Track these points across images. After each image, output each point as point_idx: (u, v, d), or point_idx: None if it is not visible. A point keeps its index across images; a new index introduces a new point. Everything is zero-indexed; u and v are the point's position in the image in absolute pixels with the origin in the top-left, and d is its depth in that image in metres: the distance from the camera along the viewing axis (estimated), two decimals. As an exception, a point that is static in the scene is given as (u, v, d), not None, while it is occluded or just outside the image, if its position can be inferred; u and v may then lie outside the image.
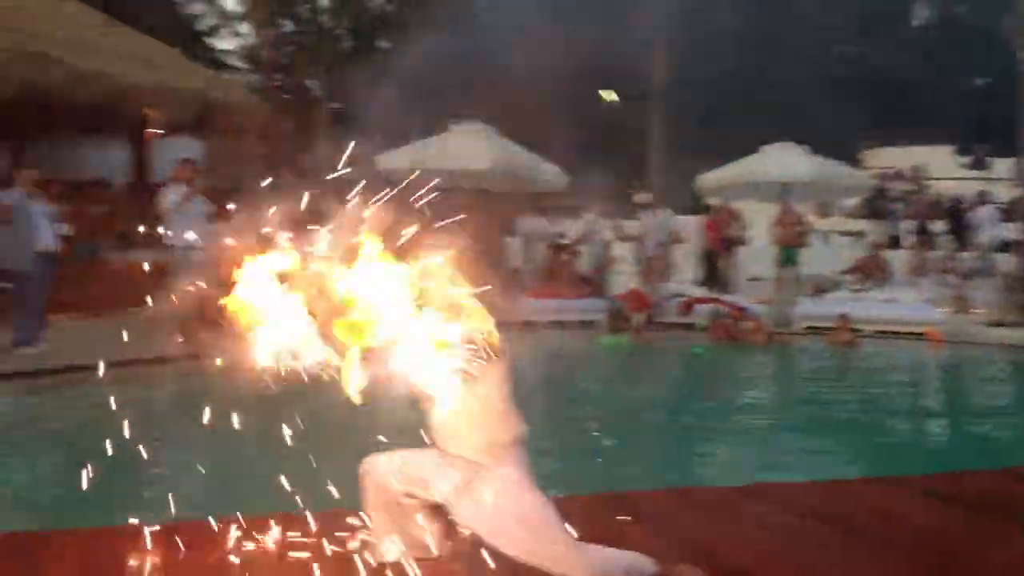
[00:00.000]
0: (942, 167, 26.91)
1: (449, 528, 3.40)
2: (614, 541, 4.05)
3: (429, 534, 3.38)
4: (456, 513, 3.25)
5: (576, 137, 32.41)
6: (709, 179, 17.53)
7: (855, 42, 40.27)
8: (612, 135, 35.85)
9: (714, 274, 16.68)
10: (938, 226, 20.09)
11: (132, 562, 3.67)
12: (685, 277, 17.04)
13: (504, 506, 3.17)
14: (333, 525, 4.02)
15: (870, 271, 17.11)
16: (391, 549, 3.42)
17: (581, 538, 3.39)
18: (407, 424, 3.45)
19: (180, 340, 9.93)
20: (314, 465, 3.80)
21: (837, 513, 4.63)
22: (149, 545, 3.81)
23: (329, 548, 3.77)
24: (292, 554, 3.78)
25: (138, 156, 16.27)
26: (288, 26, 35.44)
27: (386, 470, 3.39)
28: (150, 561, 3.69)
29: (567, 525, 3.29)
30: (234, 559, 3.78)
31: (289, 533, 3.98)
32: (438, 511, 3.34)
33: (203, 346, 9.91)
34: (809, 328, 14.75)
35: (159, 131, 15.47)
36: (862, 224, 21.39)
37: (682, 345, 13.74)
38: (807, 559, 3.99)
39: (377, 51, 36.60)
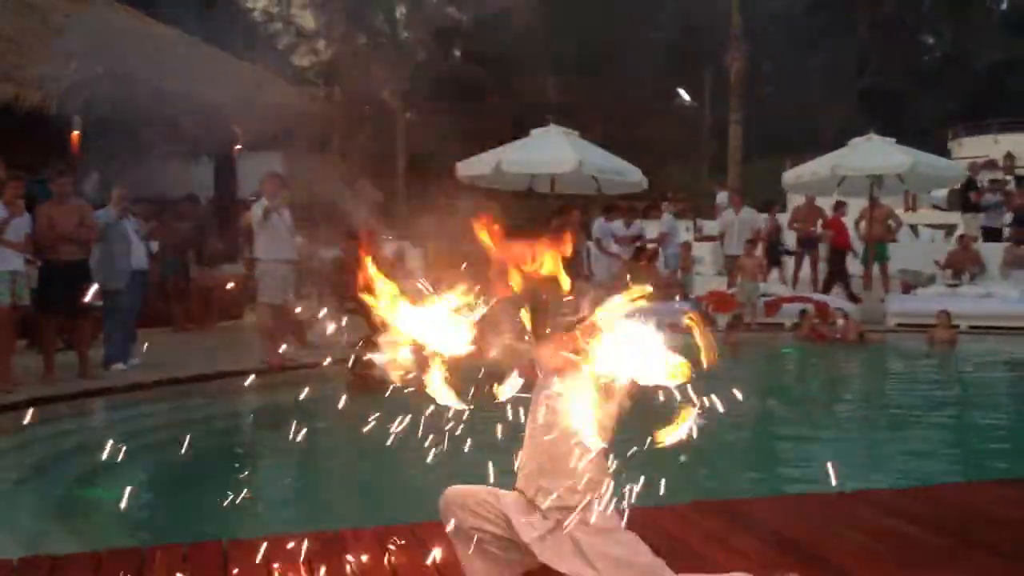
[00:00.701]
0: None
1: None
2: (717, 548, 3.93)
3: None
4: (543, 556, 3.13)
5: (655, 137, 32.24)
6: (792, 175, 17.12)
7: (940, 27, 39.18)
8: (691, 134, 35.50)
9: (842, 274, 16.16)
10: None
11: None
12: (770, 276, 16.67)
13: (606, 553, 3.10)
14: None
15: (963, 265, 16.52)
16: None
17: (684, 547, 3.30)
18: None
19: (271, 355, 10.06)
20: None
21: (944, 518, 4.45)
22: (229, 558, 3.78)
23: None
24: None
25: (223, 173, 16.59)
26: (363, 39, 35.95)
27: (463, 503, 3.27)
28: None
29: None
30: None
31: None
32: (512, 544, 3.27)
33: (287, 356, 10.06)
34: (900, 325, 14.29)
35: (243, 147, 15.74)
36: (953, 217, 20.69)
37: (770, 346, 13.45)
38: (914, 564, 3.81)
39: (452, 60, 36.88)
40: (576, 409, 2.97)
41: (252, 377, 9.61)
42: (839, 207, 16.83)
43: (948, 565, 3.88)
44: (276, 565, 3.79)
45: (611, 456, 3.16)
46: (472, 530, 3.23)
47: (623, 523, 3.18)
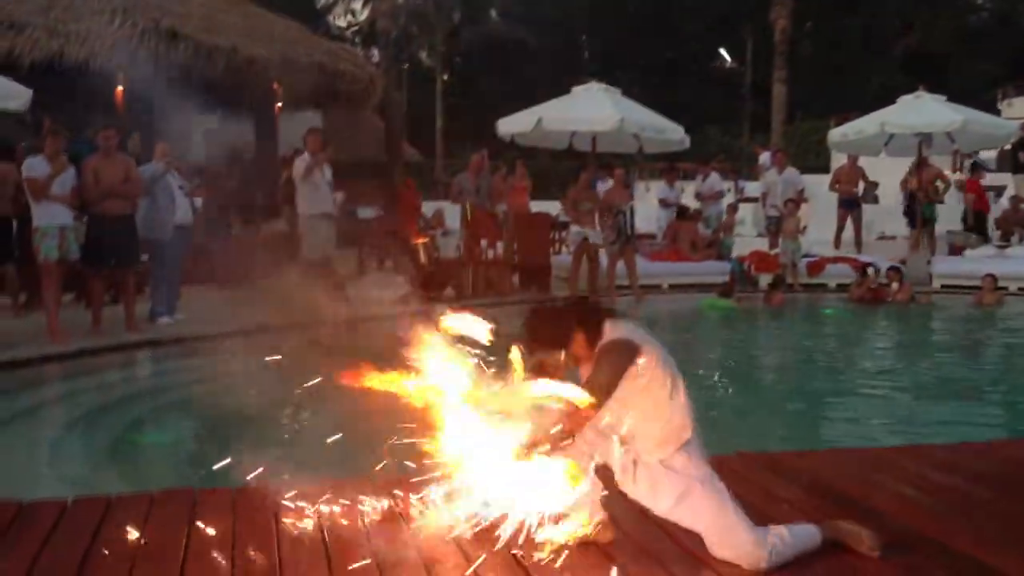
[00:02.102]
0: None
1: None
2: (759, 497, 3.92)
3: None
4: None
5: (696, 97, 31.85)
6: (838, 133, 16.83)
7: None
8: (732, 94, 35.05)
9: (982, 232, 15.90)
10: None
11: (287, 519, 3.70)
12: (814, 237, 16.47)
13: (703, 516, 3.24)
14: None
15: (1013, 226, 16.21)
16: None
17: (739, 500, 3.32)
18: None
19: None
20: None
21: (994, 474, 4.41)
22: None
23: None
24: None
25: (265, 130, 16.63)
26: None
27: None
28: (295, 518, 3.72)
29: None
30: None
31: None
32: None
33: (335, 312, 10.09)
34: (945, 287, 14.08)
35: (284, 105, 15.78)
36: (1002, 178, 20.26)
37: (815, 306, 13.33)
38: (972, 520, 3.78)
39: (490, 20, 36.60)
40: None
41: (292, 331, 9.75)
42: (976, 171, 16.60)
43: (992, 517, 3.85)
44: (325, 510, 3.83)
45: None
46: None
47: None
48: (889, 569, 3.25)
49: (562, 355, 3.28)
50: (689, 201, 17.12)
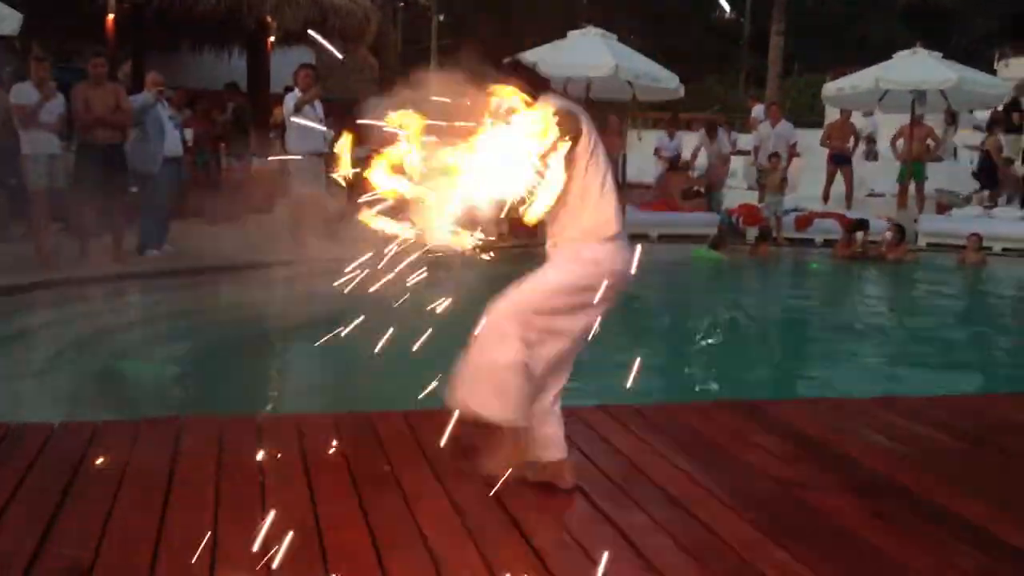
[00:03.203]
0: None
1: None
2: (735, 442, 4.01)
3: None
4: None
5: (693, 47, 31.54)
6: (833, 87, 16.75)
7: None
8: (729, 45, 34.76)
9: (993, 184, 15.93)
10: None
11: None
12: (806, 192, 16.49)
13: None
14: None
15: (1002, 188, 16.25)
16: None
17: (702, 439, 3.39)
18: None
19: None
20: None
21: (967, 425, 4.51)
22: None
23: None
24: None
25: (256, 65, 16.45)
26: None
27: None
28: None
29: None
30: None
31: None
32: None
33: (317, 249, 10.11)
34: (931, 245, 14.17)
35: (276, 40, 15.58)
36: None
37: (798, 261, 13.42)
38: (940, 468, 3.88)
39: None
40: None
41: (281, 268, 9.78)
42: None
43: (961, 466, 3.96)
44: (307, 438, 3.90)
45: None
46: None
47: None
48: (856, 512, 3.34)
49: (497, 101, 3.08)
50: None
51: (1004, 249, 13.71)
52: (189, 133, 12.12)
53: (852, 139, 16.67)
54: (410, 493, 3.36)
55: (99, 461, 3.57)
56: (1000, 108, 19.34)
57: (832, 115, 18.58)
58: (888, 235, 13.15)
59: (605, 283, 3.19)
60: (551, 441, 3.38)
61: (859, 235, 13.32)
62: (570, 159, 3.09)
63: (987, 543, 3.12)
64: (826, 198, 16.08)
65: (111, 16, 12.84)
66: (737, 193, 16.65)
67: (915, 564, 2.95)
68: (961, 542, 3.12)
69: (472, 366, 3.23)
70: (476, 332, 3.23)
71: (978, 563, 2.97)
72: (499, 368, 3.17)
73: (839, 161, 16.26)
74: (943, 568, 2.93)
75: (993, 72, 24.62)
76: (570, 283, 3.23)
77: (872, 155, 19.23)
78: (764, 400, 5.04)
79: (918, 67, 15.28)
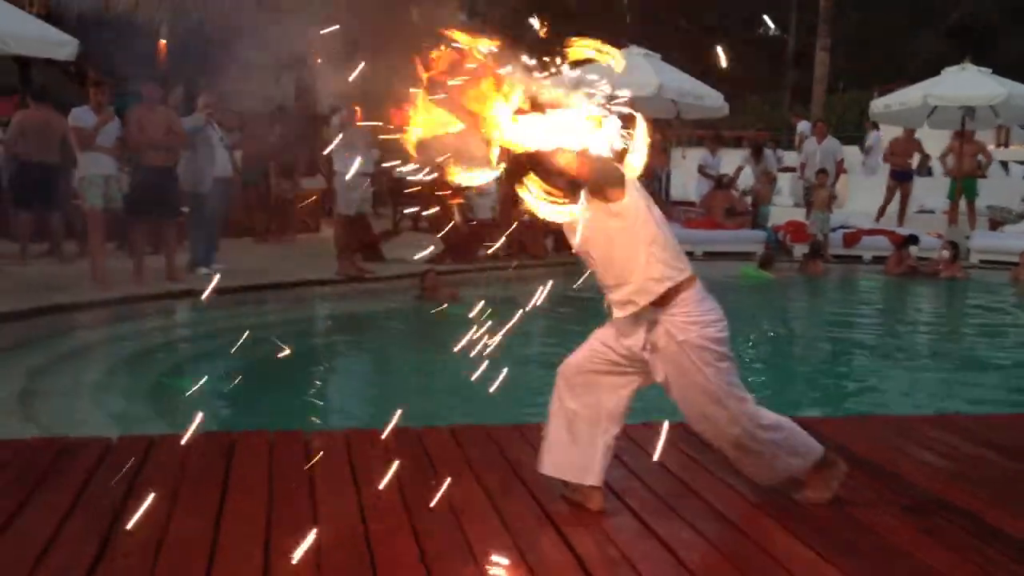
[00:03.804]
0: None
1: None
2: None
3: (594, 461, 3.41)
4: (651, 368, 3.35)
5: (737, 65, 31.40)
6: (881, 104, 16.59)
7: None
8: (774, 62, 34.57)
9: None
10: None
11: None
12: (853, 208, 16.32)
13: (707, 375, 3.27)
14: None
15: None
16: None
17: None
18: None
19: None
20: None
21: (1019, 444, 4.45)
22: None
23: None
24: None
25: (304, 86, 16.67)
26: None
27: (579, 359, 3.43)
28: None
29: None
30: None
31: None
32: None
33: (361, 269, 10.28)
34: (984, 262, 13.95)
35: (323, 60, 15.78)
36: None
37: (847, 278, 13.27)
38: (990, 487, 3.83)
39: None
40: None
41: (328, 286, 9.92)
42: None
43: (1012, 484, 3.90)
44: (356, 453, 3.96)
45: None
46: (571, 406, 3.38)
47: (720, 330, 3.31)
48: (906, 528, 3.32)
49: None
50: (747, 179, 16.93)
51: (1059, 266, 13.42)
52: (239, 154, 12.33)
53: (915, 156, 16.47)
54: (459, 508, 3.40)
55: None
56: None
57: (885, 131, 18.41)
58: (944, 253, 12.96)
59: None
60: (591, 468, 3.40)
61: (912, 249, 13.17)
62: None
63: (1039, 562, 3.07)
64: (882, 214, 15.87)
65: (163, 42, 13.14)
66: (784, 210, 16.52)
67: (967, 583, 2.92)
68: (1013, 561, 3.08)
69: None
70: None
71: (1030, 582, 2.93)
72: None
73: (901, 178, 16.04)
74: (996, 587, 2.90)
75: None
76: (726, 366, 3.32)
77: (927, 171, 19.00)
78: (813, 417, 5.00)
79: (967, 83, 15.09)
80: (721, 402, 3.29)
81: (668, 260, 3.26)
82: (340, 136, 10.54)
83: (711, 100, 15.56)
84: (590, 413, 3.39)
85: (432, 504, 3.37)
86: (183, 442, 4.03)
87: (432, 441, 4.17)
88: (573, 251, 3.32)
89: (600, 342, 3.41)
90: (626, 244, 3.21)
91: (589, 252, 3.29)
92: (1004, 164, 19.39)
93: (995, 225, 15.57)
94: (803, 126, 19.55)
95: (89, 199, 9.05)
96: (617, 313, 3.32)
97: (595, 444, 3.39)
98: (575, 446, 3.38)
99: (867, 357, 8.31)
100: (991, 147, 18.59)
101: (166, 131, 9.34)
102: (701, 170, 16.72)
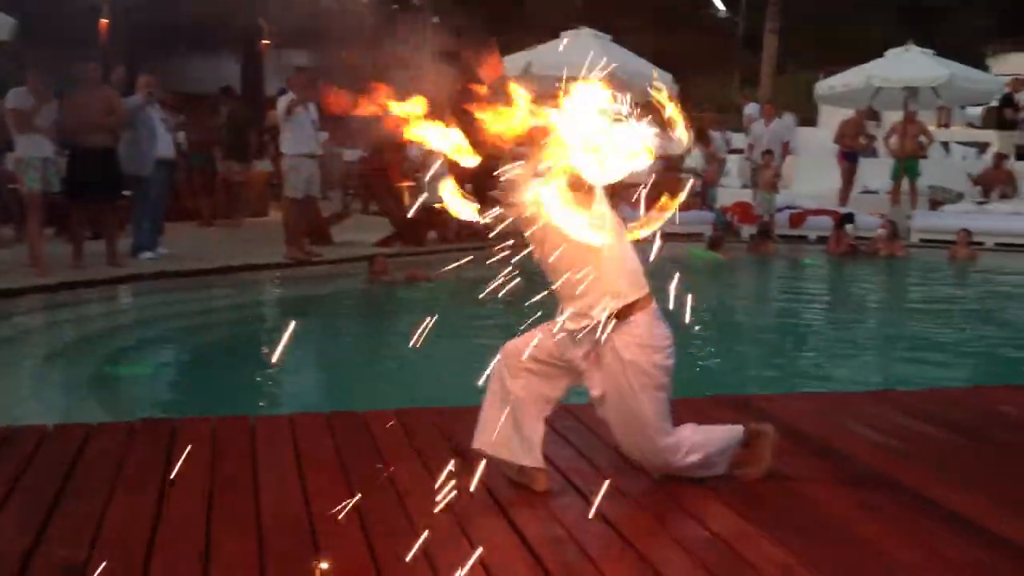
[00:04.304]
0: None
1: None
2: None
3: (535, 443, 3.40)
4: (587, 379, 3.37)
5: (686, 46, 31.52)
6: (826, 86, 16.79)
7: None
8: (723, 44, 34.77)
9: None
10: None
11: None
12: (800, 189, 16.50)
13: (633, 388, 3.27)
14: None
15: (995, 183, 16.29)
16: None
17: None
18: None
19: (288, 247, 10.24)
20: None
21: (959, 418, 4.52)
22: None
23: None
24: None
25: (250, 69, 16.49)
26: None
27: (522, 346, 3.42)
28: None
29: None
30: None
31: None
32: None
33: (309, 252, 10.21)
34: (924, 241, 14.23)
35: (270, 42, 15.61)
36: (986, 134, 20.29)
37: (793, 257, 13.45)
38: (931, 461, 3.90)
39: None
40: (556, 213, 3.07)
41: (276, 270, 9.81)
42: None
43: (951, 459, 3.96)
44: (300, 438, 3.92)
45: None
46: (511, 389, 3.38)
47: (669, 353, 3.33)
48: (849, 504, 3.36)
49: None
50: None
51: (997, 244, 13.76)
52: (182, 136, 12.13)
53: (860, 138, 16.68)
54: (404, 490, 3.38)
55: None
56: (993, 104, 19.39)
57: (828, 112, 18.63)
58: (881, 231, 13.21)
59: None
60: (533, 449, 3.40)
61: (848, 228, 13.39)
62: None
63: (977, 535, 3.13)
64: (845, 198, 16.00)
65: (104, 21, 12.86)
66: (731, 191, 16.66)
67: (905, 556, 2.96)
68: (951, 534, 3.13)
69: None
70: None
71: (967, 555, 2.98)
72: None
73: (852, 159, 16.23)
74: (933, 560, 2.95)
75: (985, 68, 24.66)
76: (663, 396, 3.33)
77: (872, 152, 19.25)
78: (758, 395, 5.05)
79: (910, 64, 15.34)
80: (647, 433, 3.33)
81: (629, 277, 3.27)
82: (287, 117, 10.43)
83: (661, 82, 15.58)
84: (530, 396, 3.40)
85: (377, 487, 3.35)
86: (123, 430, 3.99)
87: (378, 424, 4.14)
88: (534, 259, 3.30)
89: (545, 336, 3.41)
90: (589, 257, 3.19)
91: (550, 261, 3.27)
92: (945, 145, 19.72)
93: (936, 205, 15.85)
94: (751, 108, 19.69)
95: (27, 182, 8.82)
96: (570, 325, 3.31)
97: (536, 427, 3.40)
98: (516, 428, 3.38)
99: (809, 335, 8.43)
100: (933, 128, 18.89)
101: (107, 112, 9.14)
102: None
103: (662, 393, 3.32)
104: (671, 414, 3.38)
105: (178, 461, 3.60)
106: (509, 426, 3.40)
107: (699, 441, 3.43)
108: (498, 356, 3.45)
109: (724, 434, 3.52)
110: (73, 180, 9.13)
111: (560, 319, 3.33)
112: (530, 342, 3.41)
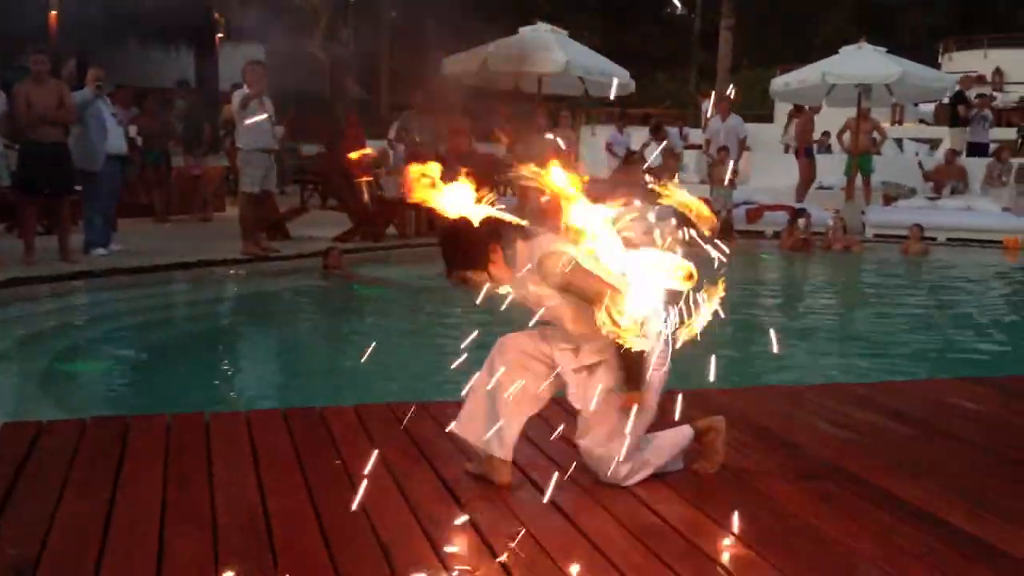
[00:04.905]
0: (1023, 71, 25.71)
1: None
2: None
3: (510, 437, 3.42)
4: (568, 383, 3.40)
5: (643, 44, 31.68)
6: (781, 82, 16.97)
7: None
8: (680, 42, 35.02)
9: None
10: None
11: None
12: (756, 185, 16.66)
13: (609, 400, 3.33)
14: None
15: (947, 179, 16.58)
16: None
17: (652, 429, 3.49)
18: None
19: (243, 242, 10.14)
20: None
21: (911, 411, 4.59)
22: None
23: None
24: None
25: (205, 63, 16.28)
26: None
27: (520, 342, 3.46)
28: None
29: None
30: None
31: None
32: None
33: (266, 248, 10.13)
34: (878, 236, 14.45)
35: (226, 36, 15.43)
36: (939, 131, 20.65)
37: (748, 253, 13.58)
38: (885, 453, 3.95)
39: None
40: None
41: (232, 266, 9.71)
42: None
43: (903, 449, 4.02)
44: (256, 434, 3.88)
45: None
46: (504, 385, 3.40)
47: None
48: (802, 496, 3.40)
49: (481, 275, 3.30)
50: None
51: (948, 239, 14.02)
52: (133, 130, 11.94)
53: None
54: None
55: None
56: (945, 101, 19.72)
57: (784, 109, 18.82)
58: (830, 223, 13.42)
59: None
60: (506, 441, 3.41)
61: (800, 223, 13.55)
62: None
63: (930, 524, 3.18)
64: (804, 195, 16.13)
65: (54, 13, 12.63)
66: (689, 187, 16.70)
67: (860, 546, 3.00)
68: (905, 524, 3.18)
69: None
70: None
71: (921, 544, 3.02)
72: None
73: (810, 154, 16.42)
74: (887, 549, 2.98)
75: (937, 66, 25.08)
76: (643, 421, 3.40)
77: (826, 148, 19.51)
78: (712, 388, 5.08)
79: (863, 61, 15.54)
80: (612, 447, 3.34)
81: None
82: (243, 111, 10.31)
83: (618, 77, 15.67)
84: (518, 392, 3.41)
85: (335, 483, 3.33)
86: (75, 427, 3.92)
87: (335, 420, 4.12)
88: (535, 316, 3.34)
89: (543, 339, 3.46)
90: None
91: (554, 319, 3.35)
92: (898, 141, 20.04)
93: (889, 200, 16.10)
94: (707, 105, 19.86)
95: (-26, 177, 8.66)
96: (574, 366, 3.38)
97: (516, 423, 3.42)
98: (496, 419, 3.38)
99: (763, 329, 8.50)
100: (886, 125, 19.18)
101: (57, 106, 8.97)
102: (608, 148, 16.86)
103: (645, 417, 3.39)
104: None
105: (131, 459, 3.56)
106: (488, 413, 3.41)
107: (653, 460, 3.48)
108: (494, 347, 3.47)
109: (674, 439, 3.56)
110: (24, 174, 8.95)
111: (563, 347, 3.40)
112: (527, 339, 3.45)
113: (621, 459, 3.34)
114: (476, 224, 3.20)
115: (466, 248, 3.28)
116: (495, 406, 3.41)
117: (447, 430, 3.50)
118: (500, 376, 3.40)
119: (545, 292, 3.27)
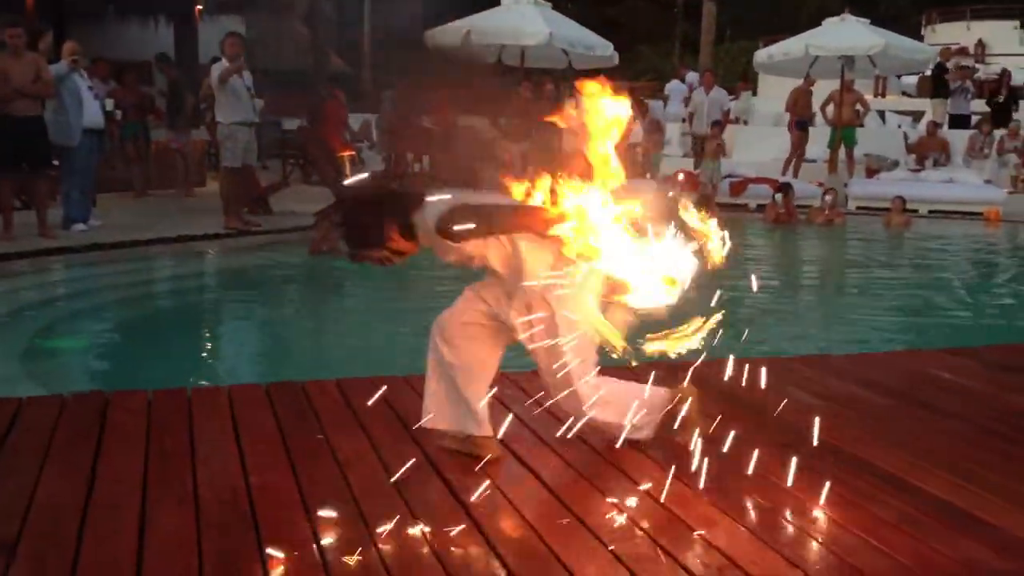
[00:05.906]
0: (1005, 43, 25.78)
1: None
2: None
3: (479, 410, 3.40)
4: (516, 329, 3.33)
5: (627, 16, 31.51)
6: (764, 55, 16.94)
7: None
8: (663, 14, 34.86)
9: None
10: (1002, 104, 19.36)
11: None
12: (740, 158, 16.66)
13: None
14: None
15: (929, 151, 16.63)
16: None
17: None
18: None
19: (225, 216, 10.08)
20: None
21: (890, 381, 4.62)
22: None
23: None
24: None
25: (184, 36, 16.10)
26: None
27: (455, 314, 3.42)
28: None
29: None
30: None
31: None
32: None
33: (248, 222, 10.07)
34: (861, 208, 14.50)
35: (205, 9, 15.26)
36: (921, 103, 20.69)
37: (733, 225, 13.61)
38: (862, 423, 3.98)
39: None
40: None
41: (213, 241, 9.65)
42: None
43: (889, 422, 4.05)
44: (238, 409, 3.87)
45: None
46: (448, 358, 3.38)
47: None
48: (776, 464, 3.42)
49: (382, 252, 3.26)
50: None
51: (930, 211, 14.09)
52: (111, 104, 11.81)
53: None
54: (344, 460, 3.36)
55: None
56: (927, 73, 19.74)
57: (767, 81, 18.80)
58: (828, 199, 13.42)
59: None
60: (479, 417, 3.41)
61: (777, 197, 13.58)
62: None
63: (907, 491, 3.21)
64: (794, 167, 16.10)
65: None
66: (672, 160, 16.77)
67: (837, 513, 3.03)
68: (882, 492, 3.21)
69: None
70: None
71: (898, 511, 3.05)
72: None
73: (802, 127, 16.36)
74: (865, 518, 3.01)
75: (920, 38, 25.07)
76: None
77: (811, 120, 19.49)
78: (692, 360, 5.09)
79: (846, 33, 15.53)
80: (562, 375, 3.31)
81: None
82: (222, 85, 10.22)
83: (601, 50, 15.62)
84: (468, 362, 3.39)
85: (317, 457, 3.33)
86: (55, 403, 3.90)
87: (317, 394, 4.11)
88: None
89: (475, 294, 3.41)
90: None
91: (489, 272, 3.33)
92: (881, 113, 20.07)
93: (872, 173, 16.14)
94: (690, 76, 19.81)
95: (-49, 152, 8.55)
96: (516, 310, 3.31)
97: (478, 393, 3.39)
98: (458, 397, 3.38)
99: (744, 301, 8.53)
100: (869, 97, 19.19)
101: (34, 79, 8.86)
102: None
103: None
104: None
105: (111, 435, 3.54)
106: (451, 396, 3.40)
107: (611, 399, 3.43)
108: (432, 329, 3.45)
109: (637, 390, 3.54)
110: (0, 149, 8.85)
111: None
112: (461, 308, 3.42)
113: (571, 364, 3.30)
114: (365, 203, 3.22)
115: (360, 230, 3.26)
116: (455, 387, 3.40)
117: (415, 427, 3.49)
118: (448, 356, 3.38)
119: (467, 249, 3.21)
